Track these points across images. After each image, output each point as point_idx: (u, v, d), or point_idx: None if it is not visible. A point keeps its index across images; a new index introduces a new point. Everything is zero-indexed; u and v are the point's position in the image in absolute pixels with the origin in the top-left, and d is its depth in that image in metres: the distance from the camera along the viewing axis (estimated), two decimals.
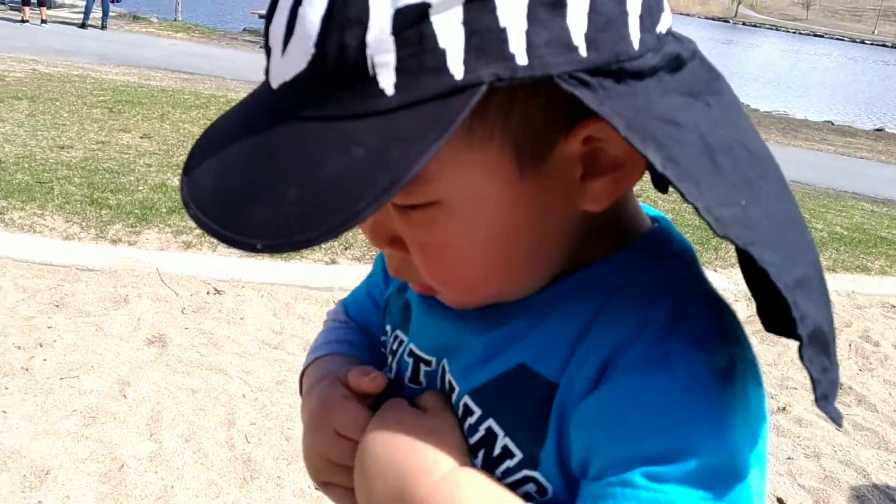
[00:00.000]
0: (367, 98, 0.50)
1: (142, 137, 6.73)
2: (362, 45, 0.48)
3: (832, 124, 18.75)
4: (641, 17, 0.53)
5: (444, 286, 0.65)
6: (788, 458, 3.26)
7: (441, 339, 0.73)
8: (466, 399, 0.67)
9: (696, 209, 0.50)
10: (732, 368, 0.57)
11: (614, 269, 0.64)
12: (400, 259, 0.64)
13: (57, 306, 3.67)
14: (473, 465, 0.64)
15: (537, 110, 0.55)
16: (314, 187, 0.50)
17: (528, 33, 0.49)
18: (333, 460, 0.73)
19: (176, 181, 5.56)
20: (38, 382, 3.06)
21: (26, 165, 5.46)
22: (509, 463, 0.64)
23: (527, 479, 0.63)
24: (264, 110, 0.55)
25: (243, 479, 2.71)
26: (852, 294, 5.26)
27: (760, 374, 0.60)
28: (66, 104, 7.70)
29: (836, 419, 0.55)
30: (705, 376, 0.56)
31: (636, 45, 0.52)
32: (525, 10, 0.49)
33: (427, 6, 0.48)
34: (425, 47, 0.48)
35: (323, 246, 4.66)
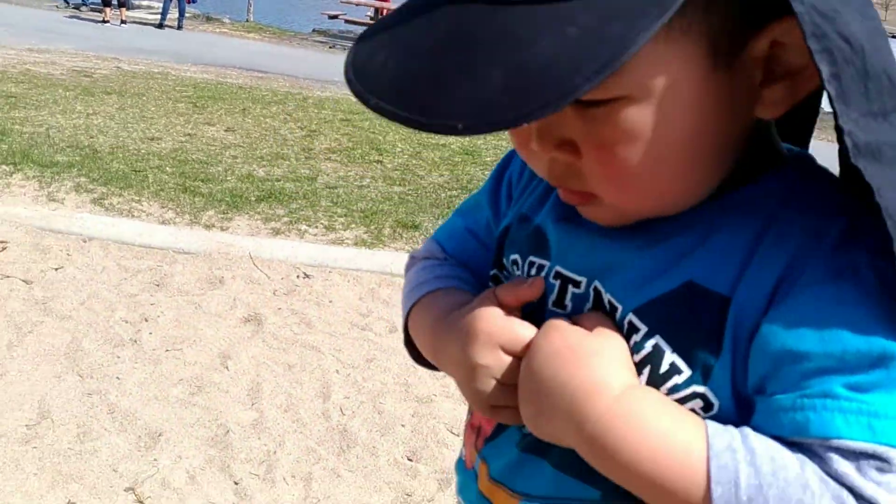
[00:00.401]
0: None
1: (226, 131, 6.98)
2: None
3: None
4: None
5: (616, 190, 0.63)
6: None
7: (594, 259, 0.71)
8: (631, 317, 0.66)
9: (840, 130, 0.53)
10: None
11: (776, 185, 0.65)
12: (565, 164, 0.63)
13: (157, 285, 3.86)
14: (643, 384, 0.64)
15: (735, 6, 0.56)
16: (523, 67, 0.49)
17: None
18: (503, 381, 0.69)
19: (261, 172, 5.77)
20: (146, 353, 3.24)
21: (121, 155, 5.72)
22: (677, 379, 0.63)
23: (694, 395, 0.63)
24: (446, 2, 0.54)
25: (340, 448, 2.84)
26: None
27: None
28: (151, 99, 8.01)
29: None
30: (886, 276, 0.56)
31: None
32: None
33: None
34: None
35: (404, 236, 4.79)
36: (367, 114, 6.65)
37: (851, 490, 0.54)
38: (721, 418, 0.61)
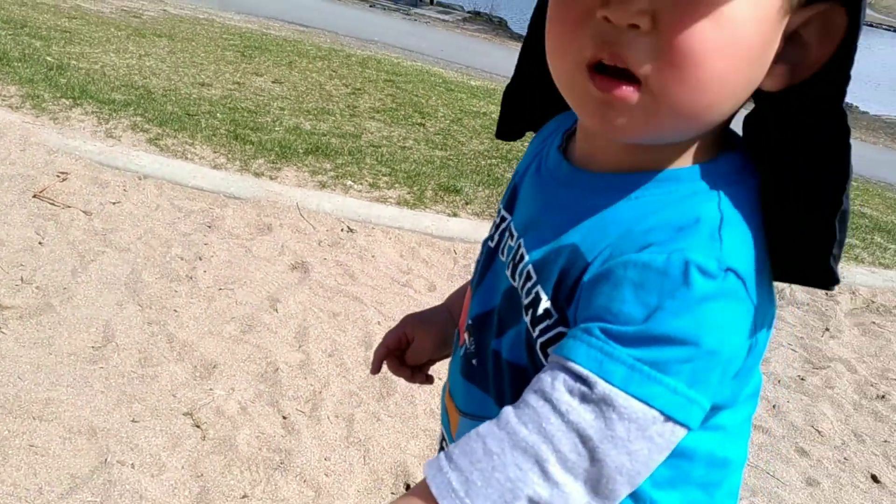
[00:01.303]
0: None
1: (273, 82, 7.10)
2: None
3: None
4: None
5: (677, 73, 0.64)
6: (885, 441, 3.40)
7: (526, 218, 0.84)
8: (529, 267, 0.78)
9: (846, 132, 0.67)
10: (721, 275, 0.65)
11: (689, 176, 0.73)
12: (635, 35, 0.64)
13: (209, 227, 4.03)
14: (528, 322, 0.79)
15: None
16: None
17: None
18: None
19: (307, 126, 5.90)
20: (201, 290, 3.41)
21: (174, 98, 5.87)
22: (548, 322, 0.75)
23: (561, 335, 0.73)
24: None
25: (380, 394, 3.00)
26: None
27: (761, 294, 0.69)
28: (200, 45, 8.13)
29: (834, 279, 0.70)
30: (692, 272, 0.65)
31: None
32: None
33: None
34: None
35: (446, 199, 4.93)
36: (410, 76, 6.83)
37: (549, 400, 0.65)
38: None
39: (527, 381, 0.71)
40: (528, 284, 0.78)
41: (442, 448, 1.02)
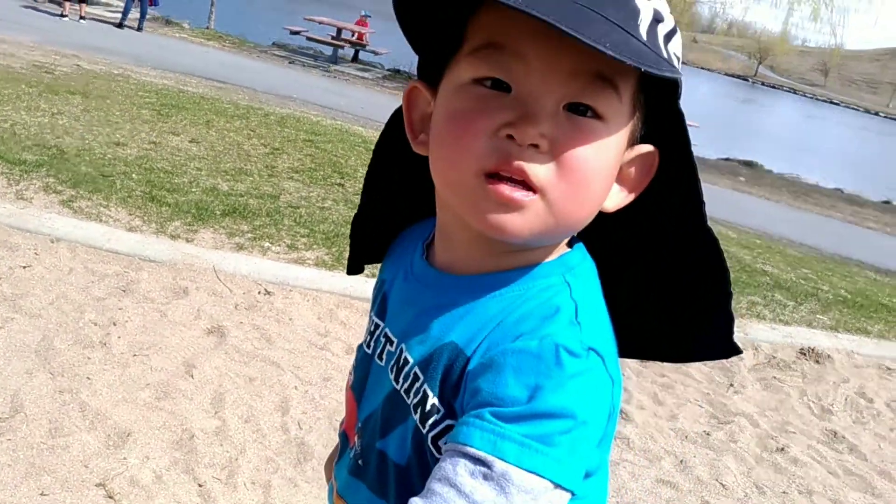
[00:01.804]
0: (633, 24, 0.73)
1: (190, 142, 7.09)
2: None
3: (842, 192, 19.10)
4: None
5: (567, 187, 0.76)
6: (783, 493, 3.57)
7: (404, 325, 0.91)
8: (415, 369, 0.86)
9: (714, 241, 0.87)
10: (585, 354, 0.76)
11: (543, 273, 0.85)
12: (534, 152, 0.75)
13: (124, 291, 3.99)
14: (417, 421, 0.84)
15: (643, 124, 0.84)
16: (619, 36, 0.70)
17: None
18: None
19: (225, 187, 5.91)
20: (115, 356, 3.37)
21: (87, 158, 5.81)
22: (436, 416, 0.82)
23: (449, 427, 0.80)
24: None
25: (297, 459, 3.02)
26: (851, 353, 5.59)
27: (614, 369, 0.80)
28: (115, 103, 8.07)
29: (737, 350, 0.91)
30: (561, 354, 0.74)
31: None
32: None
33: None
34: None
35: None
36: (330, 136, 6.91)
37: (454, 485, 0.72)
38: None
39: (409, 479, 0.83)
40: (416, 385, 0.85)
41: None
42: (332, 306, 4.41)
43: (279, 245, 4.99)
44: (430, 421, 0.83)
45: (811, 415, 4.47)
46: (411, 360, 0.87)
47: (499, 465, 0.71)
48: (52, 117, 6.88)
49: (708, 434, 3.97)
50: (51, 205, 4.81)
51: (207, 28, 19.96)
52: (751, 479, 3.63)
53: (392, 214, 1.08)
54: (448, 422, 0.81)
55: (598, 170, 0.78)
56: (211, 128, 7.86)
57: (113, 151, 6.19)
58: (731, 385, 4.59)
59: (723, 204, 10.80)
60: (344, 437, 1.04)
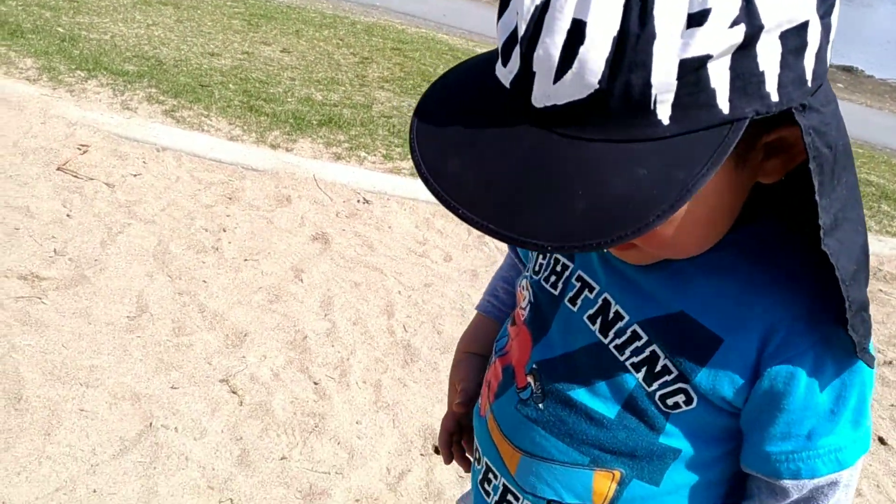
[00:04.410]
0: (645, 126, 0.58)
1: (282, 51, 7.14)
2: (647, 85, 0.56)
3: None
4: (830, 47, 0.65)
5: (656, 250, 0.77)
6: (891, 406, 3.53)
7: (610, 273, 0.87)
8: (635, 327, 0.84)
9: (821, 222, 0.67)
10: (860, 365, 0.78)
11: (759, 231, 0.81)
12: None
13: (230, 199, 4.12)
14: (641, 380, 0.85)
15: (756, 123, 0.62)
16: (600, 201, 0.58)
17: (780, 76, 0.59)
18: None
19: (319, 97, 5.96)
20: (227, 261, 3.51)
21: (185, 68, 5.92)
22: (667, 377, 0.83)
23: (679, 391, 0.83)
24: (524, 121, 0.61)
25: (405, 361, 3.12)
26: None
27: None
28: (206, 13, 8.14)
29: (869, 363, 0.77)
30: (850, 368, 0.78)
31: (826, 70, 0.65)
32: (779, 57, 0.59)
33: (708, 57, 0.56)
34: (700, 87, 0.57)
35: None
36: (416, 44, 6.85)
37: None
38: (695, 411, 0.84)
39: (611, 431, 0.86)
40: (638, 344, 0.84)
41: (487, 480, 1.04)
42: (429, 215, 4.46)
43: (375, 155, 5.04)
44: (661, 381, 0.84)
45: None
46: (627, 317, 0.85)
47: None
48: (147, 28, 7.01)
49: None
50: (154, 114, 4.94)
51: None
52: None
53: None
54: (680, 385, 0.83)
55: (686, 226, 0.73)
56: (301, 37, 7.88)
57: (209, 62, 6.29)
58: None
59: None
60: (510, 372, 0.98)
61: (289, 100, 5.70)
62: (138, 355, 2.78)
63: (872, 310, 4.08)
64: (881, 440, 3.26)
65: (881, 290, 4.70)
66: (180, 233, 3.65)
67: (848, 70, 18.51)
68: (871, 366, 0.78)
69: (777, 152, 0.71)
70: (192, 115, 5.00)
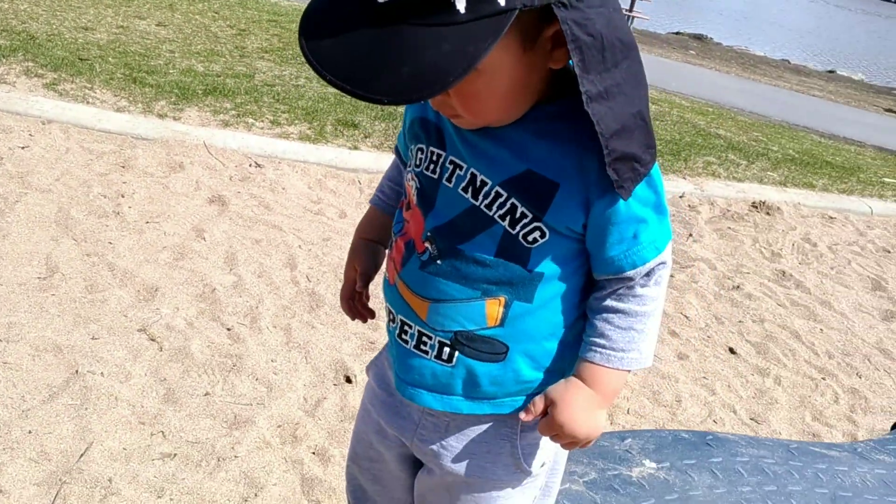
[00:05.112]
0: (449, 15, 0.84)
1: (157, 25, 7.11)
2: None
3: (788, 63, 19.46)
4: None
5: (471, 115, 1.06)
6: (739, 322, 4.03)
7: (471, 152, 1.14)
8: (497, 188, 1.12)
9: (583, 89, 0.96)
10: (650, 178, 1.10)
11: (570, 105, 1.06)
12: (442, 99, 1.05)
13: (123, 167, 4.20)
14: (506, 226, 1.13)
15: (533, 14, 0.93)
16: (418, 68, 0.85)
17: None
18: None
19: (200, 68, 6.02)
20: (130, 224, 3.63)
21: (59, 43, 5.85)
22: (525, 220, 1.11)
23: (535, 228, 1.11)
24: (372, 15, 0.86)
25: (310, 306, 3.34)
26: (798, 205, 6.06)
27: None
28: None
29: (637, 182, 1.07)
30: (657, 182, 1.12)
31: None
32: None
33: None
34: None
35: (345, 133, 5.23)
36: (292, 16, 7.01)
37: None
38: (550, 242, 1.12)
39: (494, 269, 1.14)
40: (500, 200, 1.11)
41: (403, 332, 1.29)
42: (321, 176, 4.67)
43: (262, 121, 5.18)
44: (522, 223, 1.11)
45: (762, 258, 4.93)
46: (489, 181, 1.12)
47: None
48: (11, 3, 6.82)
49: (672, 276, 4.38)
50: (35, 88, 4.91)
51: None
52: (710, 312, 4.07)
53: None
54: (536, 224, 1.11)
55: (491, 95, 1.03)
56: (175, 11, 7.84)
57: (83, 36, 6.22)
58: (691, 235, 5.01)
59: (674, 76, 11.11)
60: (411, 244, 1.23)
61: (171, 71, 5.74)
62: (55, 311, 2.89)
63: (722, 243, 4.62)
64: (731, 350, 3.74)
65: (730, 228, 5.25)
66: (79, 200, 3.73)
67: (699, 38, 19.63)
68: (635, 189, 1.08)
69: (561, 44, 0.96)
70: (74, 88, 5.00)
